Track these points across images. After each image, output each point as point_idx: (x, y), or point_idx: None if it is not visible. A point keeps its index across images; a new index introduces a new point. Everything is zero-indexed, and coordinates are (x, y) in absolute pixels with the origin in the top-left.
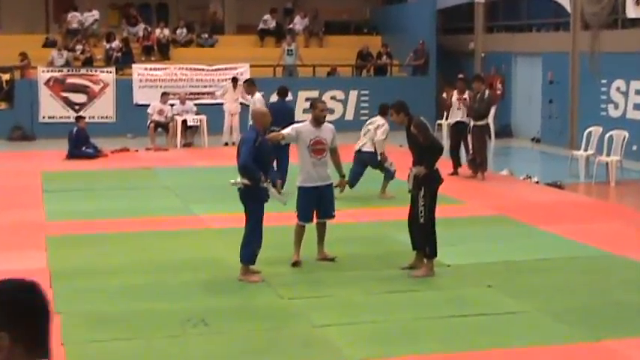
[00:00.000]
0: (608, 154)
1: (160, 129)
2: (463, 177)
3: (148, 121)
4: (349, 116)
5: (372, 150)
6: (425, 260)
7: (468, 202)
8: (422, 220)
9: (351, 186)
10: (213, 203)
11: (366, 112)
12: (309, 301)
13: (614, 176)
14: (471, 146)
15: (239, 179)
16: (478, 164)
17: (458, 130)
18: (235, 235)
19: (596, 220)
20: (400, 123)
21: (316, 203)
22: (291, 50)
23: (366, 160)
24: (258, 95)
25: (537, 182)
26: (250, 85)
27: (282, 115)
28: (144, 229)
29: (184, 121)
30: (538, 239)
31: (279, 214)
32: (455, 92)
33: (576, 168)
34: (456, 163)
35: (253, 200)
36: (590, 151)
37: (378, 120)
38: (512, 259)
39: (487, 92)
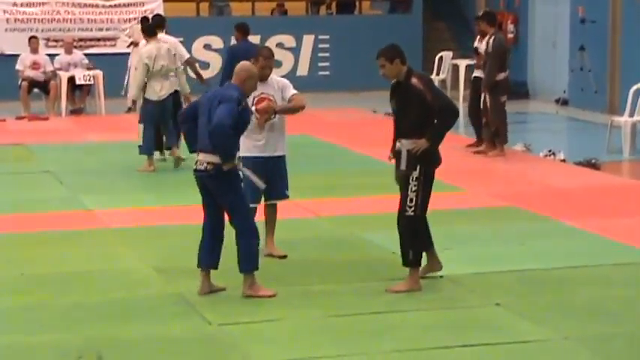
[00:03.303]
0: None
1: (36, 90)
2: (464, 153)
3: (19, 80)
4: (302, 71)
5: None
6: (410, 272)
7: (468, 189)
8: (410, 212)
9: None
10: (112, 194)
11: (326, 64)
12: (247, 328)
13: None
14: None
15: (204, 158)
16: (493, 134)
17: (478, 88)
18: (144, 238)
19: None
20: (394, 77)
21: (264, 179)
22: None
23: None
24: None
25: (564, 160)
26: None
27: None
28: (15, 230)
29: (71, 79)
30: (564, 239)
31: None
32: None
33: (618, 140)
34: (478, 131)
35: (230, 186)
36: (637, 117)
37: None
38: (529, 268)
39: (492, 37)
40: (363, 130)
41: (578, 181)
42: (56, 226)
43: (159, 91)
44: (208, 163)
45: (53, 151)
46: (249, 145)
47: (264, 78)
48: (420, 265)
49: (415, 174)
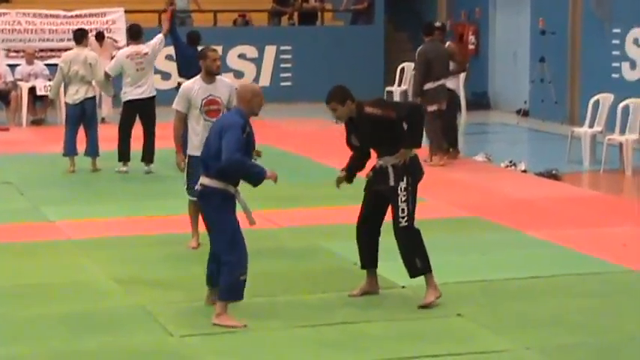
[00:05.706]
0: (623, 132)
1: None
2: (424, 163)
3: None
4: (265, 81)
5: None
6: (426, 280)
7: (430, 200)
8: (404, 223)
9: None
10: (74, 205)
11: (288, 74)
12: (209, 340)
13: (631, 161)
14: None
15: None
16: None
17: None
18: (105, 249)
19: (605, 222)
20: (347, 117)
21: None
22: None
23: None
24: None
25: (524, 171)
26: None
27: (196, 66)
28: None
29: (32, 89)
30: (525, 250)
31: (165, 218)
32: None
33: (578, 151)
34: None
35: (222, 209)
36: (597, 128)
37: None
38: (491, 278)
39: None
40: (325, 140)
41: (539, 191)
42: (17, 237)
43: (73, 94)
44: (200, 184)
45: (14, 162)
46: (196, 144)
47: (214, 74)
48: (430, 269)
49: (403, 184)
